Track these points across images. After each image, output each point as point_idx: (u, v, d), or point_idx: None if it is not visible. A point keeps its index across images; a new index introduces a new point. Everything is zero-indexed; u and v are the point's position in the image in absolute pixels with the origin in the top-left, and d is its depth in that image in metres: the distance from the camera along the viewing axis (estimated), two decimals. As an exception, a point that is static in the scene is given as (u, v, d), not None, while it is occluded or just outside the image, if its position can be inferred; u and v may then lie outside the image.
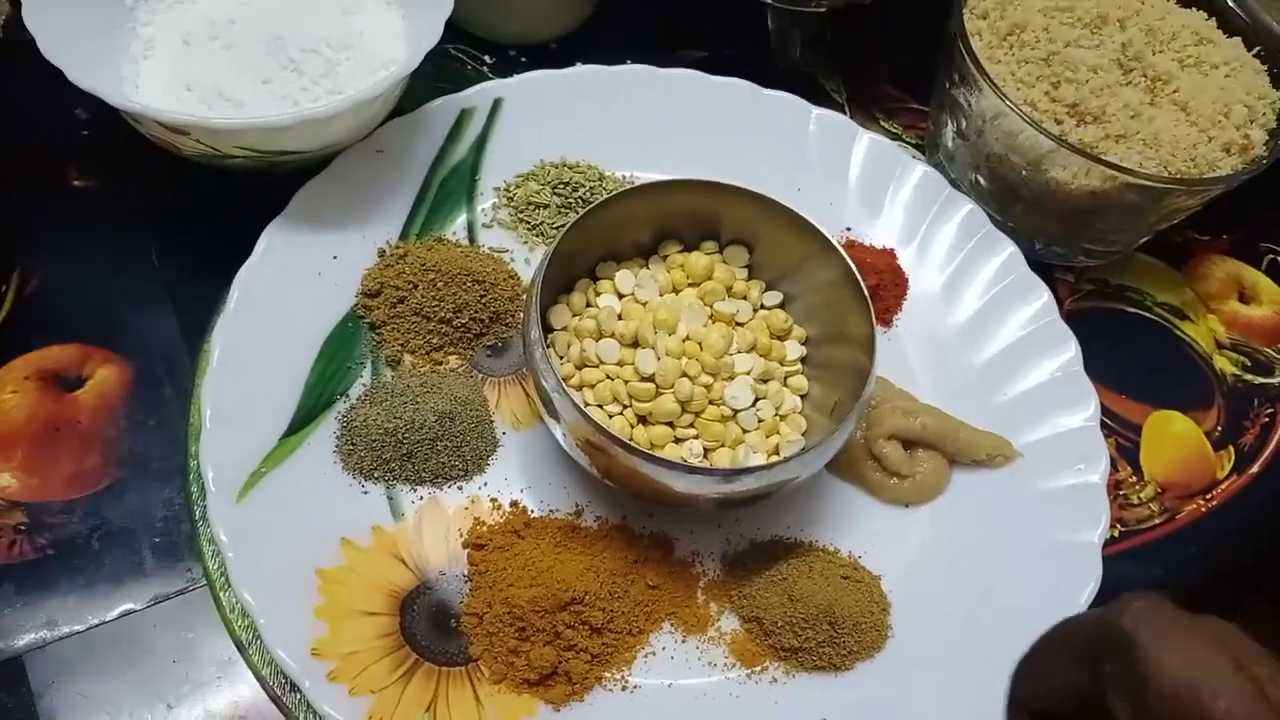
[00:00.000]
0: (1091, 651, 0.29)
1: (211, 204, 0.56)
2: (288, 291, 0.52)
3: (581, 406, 0.48)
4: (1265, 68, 0.62)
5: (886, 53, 0.72)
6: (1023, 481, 0.54)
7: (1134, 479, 0.59)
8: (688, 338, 0.51)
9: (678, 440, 0.50)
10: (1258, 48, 0.63)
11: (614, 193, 0.50)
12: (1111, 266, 0.66)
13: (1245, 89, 0.60)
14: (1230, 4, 0.64)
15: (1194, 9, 0.64)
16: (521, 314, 0.55)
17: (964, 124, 0.62)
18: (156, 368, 0.52)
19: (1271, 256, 0.69)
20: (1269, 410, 0.63)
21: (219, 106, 0.54)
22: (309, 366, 0.51)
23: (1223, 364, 0.64)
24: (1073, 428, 0.55)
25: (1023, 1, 0.61)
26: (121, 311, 0.54)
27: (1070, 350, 0.57)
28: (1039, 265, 0.62)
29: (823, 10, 0.66)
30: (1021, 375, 0.57)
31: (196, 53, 0.56)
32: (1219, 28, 0.63)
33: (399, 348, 0.53)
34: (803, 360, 0.54)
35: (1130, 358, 0.63)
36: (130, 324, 0.53)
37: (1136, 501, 0.58)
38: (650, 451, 0.45)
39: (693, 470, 0.45)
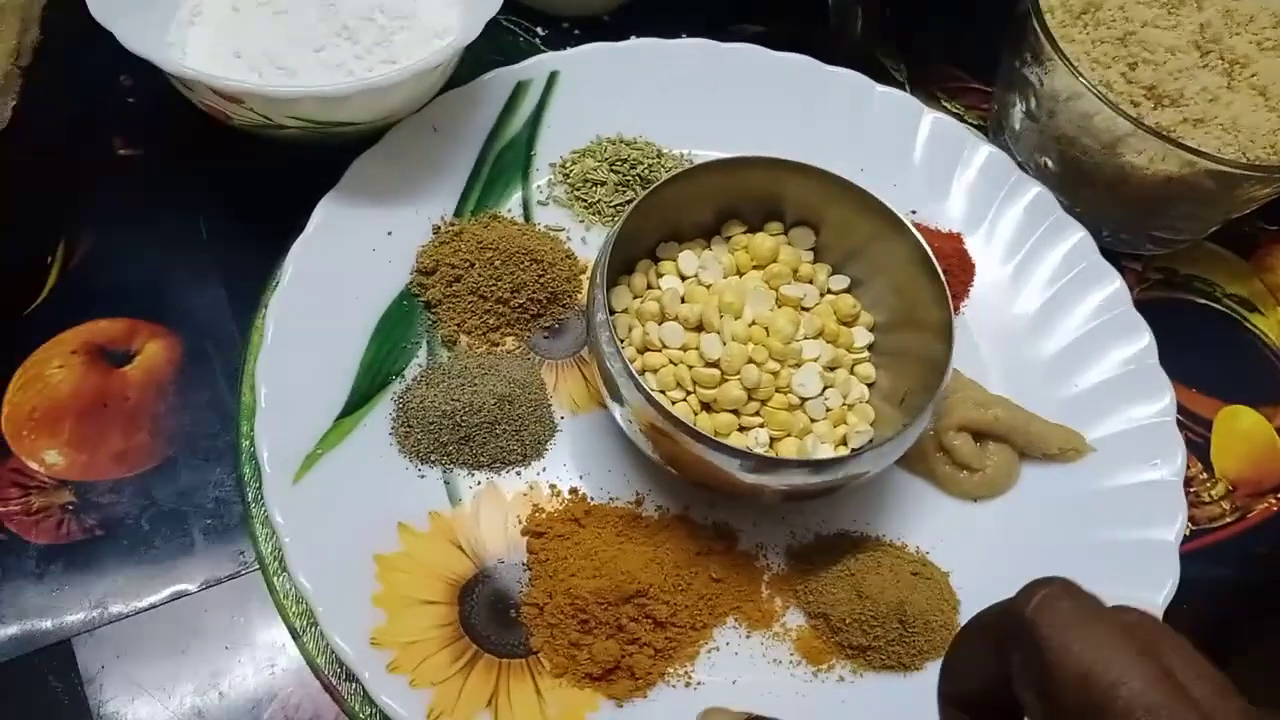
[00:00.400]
0: (1000, 639, 0.28)
1: (261, 174, 0.55)
2: (342, 268, 0.50)
3: (649, 390, 0.47)
4: (1347, 52, 0.60)
5: (948, 31, 0.70)
6: (1095, 477, 0.52)
7: (1204, 476, 0.57)
8: (754, 322, 0.49)
9: (743, 429, 0.48)
10: (1339, 31, 0.60)
11: (676, 172, 0.49)
12: (1179, 255, 0.64)
13: (1327, 74, 0.58)
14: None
15: (1275, -11, 0.61)
16: (579, 295, 0.53)
17: (1034, 104, 0.60)
18: (205, 343, 0.51)
19: (1342, 248, 0.67)
20: (1340, 406, 0.61)
21: (270, 75, 0.52)
22: (364, 345, 0.50)
23: (1293, 357, 0.62)
24: (1147, 422, 0.53)
25: (1098, -22, 0.59)
26: (170, 284, 0.52)
27: (1144, 341, 0.55)
28: (1106, 253, 0.60)
29: (884, -14, 0.64)
30: (1093, 366, 0.55)
31: (246, 18, 0.55)
32: (1299, 10, 0.61)
33: (455, 328, 0.51)
34: (869, 347, 0.52)
35: (1199, 350, 0.61)
36: (178, 297, 0.52)
37: (1208, 499, 0.57)
38: (718, 439, 0.43)
39: (763, 461, 0.43)
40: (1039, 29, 0.57)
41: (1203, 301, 0.63)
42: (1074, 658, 0.26)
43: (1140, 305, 0.58)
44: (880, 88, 0.61)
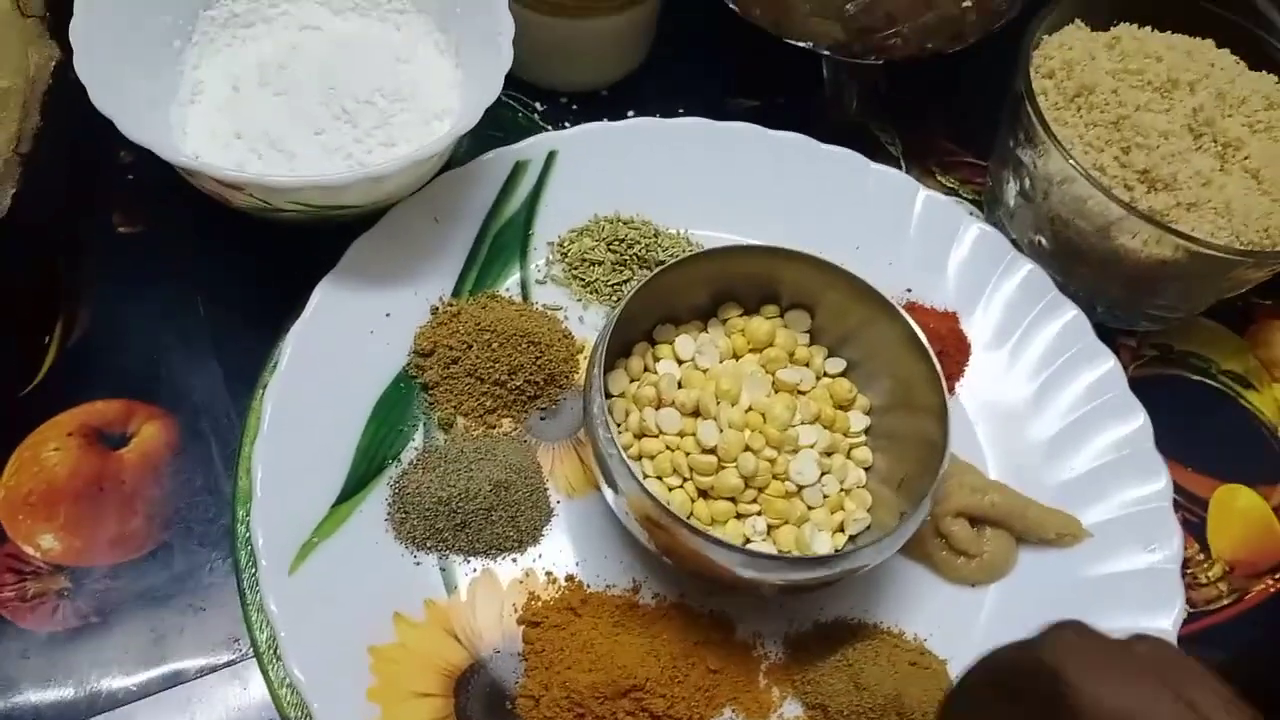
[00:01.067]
0: (1016, 685, 0.28)
1: (260, 254, 0.55)
2: (340, 350, 0.51)
3: (642, 480, 0.47)
4: (1337, 133, 0.60)
5: (943, 105, 0.71)
6: (1092, 562, 0.52)
7: (1201, 557, 0.57)
8: (751, 408, 0.49)
9: (739, 516, 0.48)
10: (1330, 112, 0.61)
11: (674, 260, 0.49)
12: (1174, 331, 0.64)
13: (1318, 156, 0.59)
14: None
15: (1264, 72, 0.62)
16: (576, 375, 0.54)
17: (1028, 184, 0.60)
18: (202, 424, 0.51)
19: (1335, 322, 0.68)
20: (1337, 484, 0.61)
21: (270, 157, 0.53)
22: (361, 429, 0.50)
23: (1289, 435, 0.63)
24: (1144, 507, 0.53)
25: (1091, 63, 0.60)
26: (167, 364, 0.52)
27: (1139, 423, 0.55)
28: (1100, 329, 0.60)
29: (879, 63, 0.65)
30: (1089, 449, 0.55)
31: (246, 99, 0.55)
32: (1289, 91, 0.62)
33: (452, 410, 0.51)
34: (866, 431, 0.52)
35: (1195, 428, 0.61)
36: (176, 377, 0.52)
37: (1205, 581, 0.57)
38: (714, 534, 0.43)
39: (760, 558, 0.43)
40: (1032, 113, 0.57)
41: (1198, 378, 0.64)
42: (1103, 703, 0.25)
43: (1135, 382, 0.58)
44: (875, 166, 0.62)
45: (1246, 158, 0.58)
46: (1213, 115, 0.58)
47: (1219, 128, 0.58)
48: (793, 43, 0.63)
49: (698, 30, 0.68)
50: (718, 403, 0.49)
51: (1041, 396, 0.57)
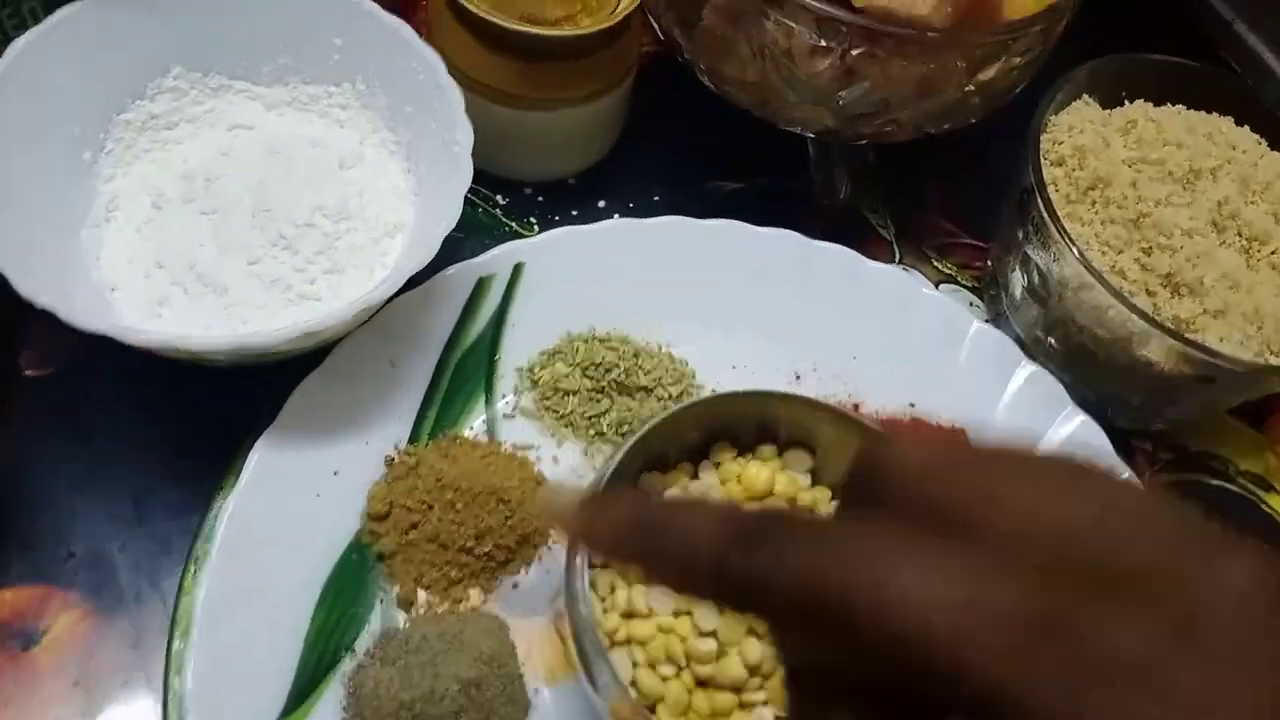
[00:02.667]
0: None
1: (190, 400, 0.48)
2: (282, 521, 0.44)
3: (632, 670, 0.42)
4: (1364, 218, 0.56)
5: (938, 182, 0.66)
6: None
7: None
8: (752, 577, 0.44)
9: (744, 706, 0.43)
10: (1354, 193, 0.56)
11: (658, 418, 0.43)
12: (1188, 428, 0.60)
13: (1348, 248, 0.54)
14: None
15: (1287, 151, 0.57)
16: (552, 532, 0.48)
17: (1037, 282, 0.55)
18: (126, 612, 0.45)
19: (1354, 409, 0.64)
20: (1364, 595, 0.57)
21: (196, 292, 0.46)
22: (309, 615, 0.44)
23: (1312, 541, 0.58)
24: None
25: (1105, 150, 0.55)
26: (83, 538, 0.46)
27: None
28: (1112, 430, 0.55)
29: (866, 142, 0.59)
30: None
31: (169, 218, 0.48)
32: (1314, 170, 0.57)
33: (413, 584, 0.45)
34: (876, 585, 0.47)
35: (1216, 540, 0.56)
36: (95, 556, 0.45)
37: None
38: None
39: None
40: (1044, 210, 0.52)
41: (1217, 483, 0.59)
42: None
43: (1154, 494, 0.53)
44: (872, 265, 0.56)
45: (1274, 252, 0.54)
46: (1237, 206, 0.54)
47: (1244, 219, 0.54)
48: (780, 126, 0.57)
49: (672, 110, 0.62)
50: (715, 576, 0.43)
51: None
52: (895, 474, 0.22)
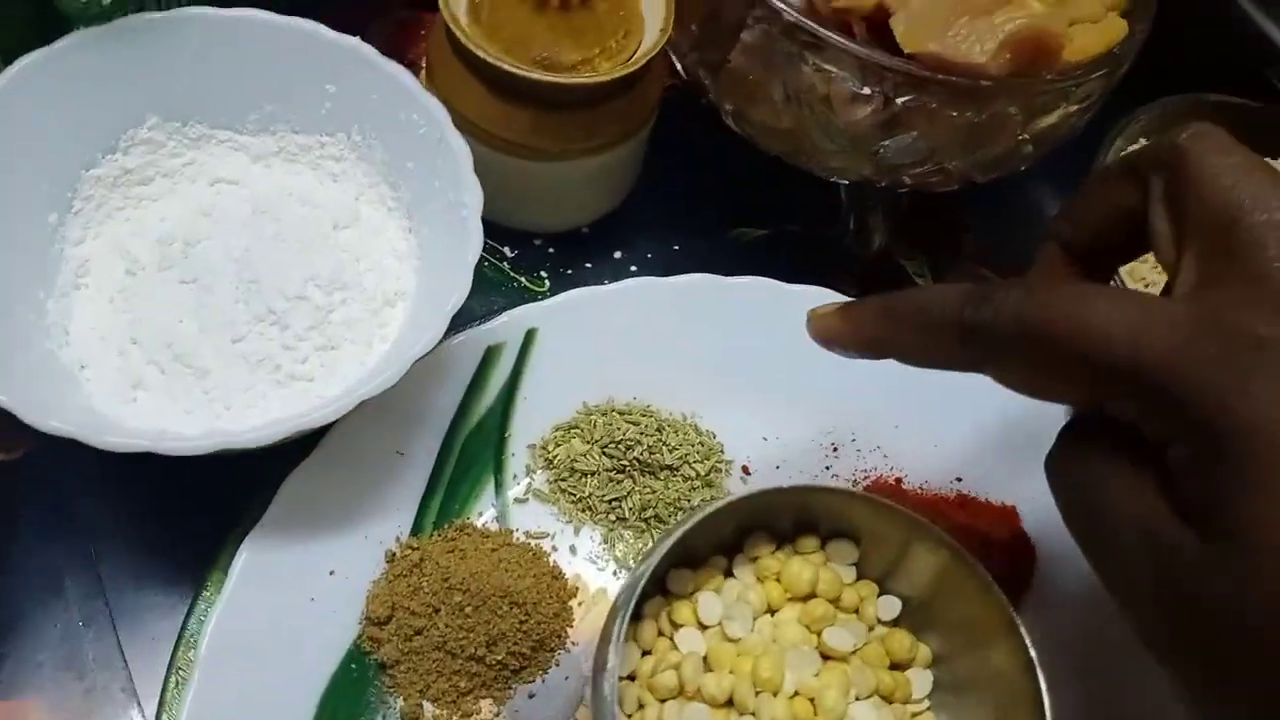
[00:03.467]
0: (1142, 168, 0.30)
1: (169, 488, 0.44)
2: (274, 628, 0.40)
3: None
4: None
5: (976, 225, 0.61)
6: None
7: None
8: (796, 693, 0.39)
9: (791, 836, 0.38)
10: None
11: (691, 521, 0.39)
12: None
13: None
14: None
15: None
16: (569, 631, 0.44)
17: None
18: (101, 729, 0.40)
19: None
20: None
21: (174, 371, 0.42)
22: (304, 737, 0.39)
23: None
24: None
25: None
26: (52, 645, 0.41)
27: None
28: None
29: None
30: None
31: (143, 286, 0.44)
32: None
33: (418, 695, 0.41)
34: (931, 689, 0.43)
35: None
36: (64, 663, 0.41)
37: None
38: None
39: None
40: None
41: None
42: (1219, 180, 0.27)
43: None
44: (913, 325, 0.52)
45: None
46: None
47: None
48: (813, 173, 0.53)
49: (693, 152, 0.57)
50: (757, 694, 0.39)
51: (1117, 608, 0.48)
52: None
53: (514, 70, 0.45)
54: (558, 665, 0.43)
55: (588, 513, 0.46)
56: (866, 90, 0.46)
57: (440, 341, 0.45)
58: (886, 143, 0.48)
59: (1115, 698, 0.47)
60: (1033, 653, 0.39)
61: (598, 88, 0.46)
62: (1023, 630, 0.39)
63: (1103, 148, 0.51)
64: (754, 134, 0.52)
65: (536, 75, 0.45)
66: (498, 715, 0.42)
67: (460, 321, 0.47)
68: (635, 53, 0.48)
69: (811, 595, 0.42)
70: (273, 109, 0.47)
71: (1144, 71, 0.52)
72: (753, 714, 0.39)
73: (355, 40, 0.45)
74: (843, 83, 0.47)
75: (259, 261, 0.43)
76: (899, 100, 0.46)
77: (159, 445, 0.36)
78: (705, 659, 0.40)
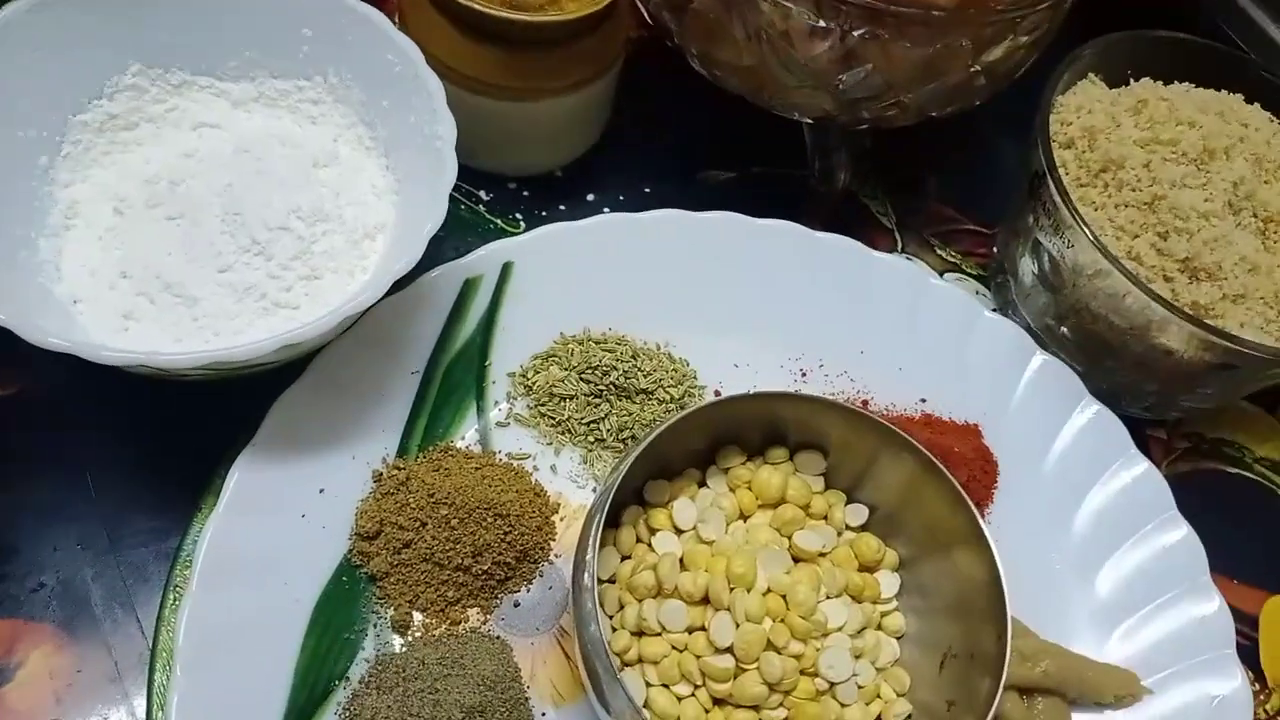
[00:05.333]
0: None
1: (162, 418, 0.45)
2: (266, 544, 0.42)
3: (645, 690, 0.39)
4: (1379, 193, 0.54)
5: (939, 166, 0.63)
6: (1152, 720, 0.46)
7: (1257, 688, 0.51)
8: (769, 590, 0.41)
9: (763, 724, 0.40)
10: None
11: (662, 425, 0.41)
12: (1203, 416, 0.58)
13: (1365, 225, 0.52)
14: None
15: (1298, 125, 0.55)
16: (552, 543, 0.45)
17: (1048, 269, 0.53)
18: (103, 644, 0.42)
19: (1367, 388, 0.62)
20: (1385, 577, 0.55)
21: (164, 303, 0.43)
22: (299, 644, 0.41)
23: (1332, 525, 0.57)
24: (1203, 655, 0.47)
25: (1116, 130, 0.53)
26: (55, 569, 0.43)
27: (1189, 546, 0.49)
28: (1127, 419, 0.54)
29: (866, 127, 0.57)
30: (1137, 581, 0.49)
31: (132, 224, 0.45)
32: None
33: (407, 605, 0.43)
34: (898, 590, 0.45)
35: (1236, 532, 0.55)
36: (65, 585, 0.43)
37: (1263, 716, 0.50)
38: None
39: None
40: (1057, 195, 0.50)
41: (1234, 471, 0.57)
42: None
43: (1171, 482, 0.52)
44: (878, 255, 0.54)
45: (1290, 233, 0.52)
46: (1253, 186, 0.52)
47: (1259, 200, 0.52)
48: (776, 112, 0.54)
49: (662, 98, 0.59)
50: (731, 589, 0.41)
51: (1078, 519, 0.50)
52: None
53: (483, 9, 0.47)
54: (541, 576, 0.45)
55: (567, 435, 0.48)
56: (823, 24, 0.48)
57: (418, 276, 0.47)
58: (844, 76, 0.50)
59: (1058, 606, 0.49)
60: (998, 561, 0.41)
61: (564, 26, 0.48)
62: (989, 538, 0.41)
63: (1049, 82, 0.53)
64: (719, 74, 0.54)
65: (504, 13, 0.47)
66: (485, 623, 0.43)
67: (439, 260, 0.49)
68: (601, -6, 0.50)
69: (781, 502, 0.44)
70: (251, 55, 0.48)
71: (1091, 7, 0.54)
72: (727, 609, 0.40)
73: (330, -16, 0.46)
74: (800, 18, 0.48)
75: (242, 196, 0.45)
76: (854, 33, 0.48)
77: (152, 360, 0.37)
78: (681, 560, 0.42)
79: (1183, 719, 0.46)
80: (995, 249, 0.59)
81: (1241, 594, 0.53)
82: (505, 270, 0.50)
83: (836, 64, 0.50)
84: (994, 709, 0.38)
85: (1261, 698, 0.51)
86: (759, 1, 0.49)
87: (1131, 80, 0.57)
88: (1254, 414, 0.59)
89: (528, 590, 0.44)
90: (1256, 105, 0.56)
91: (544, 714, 0.42)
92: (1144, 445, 0.56)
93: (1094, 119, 0.53)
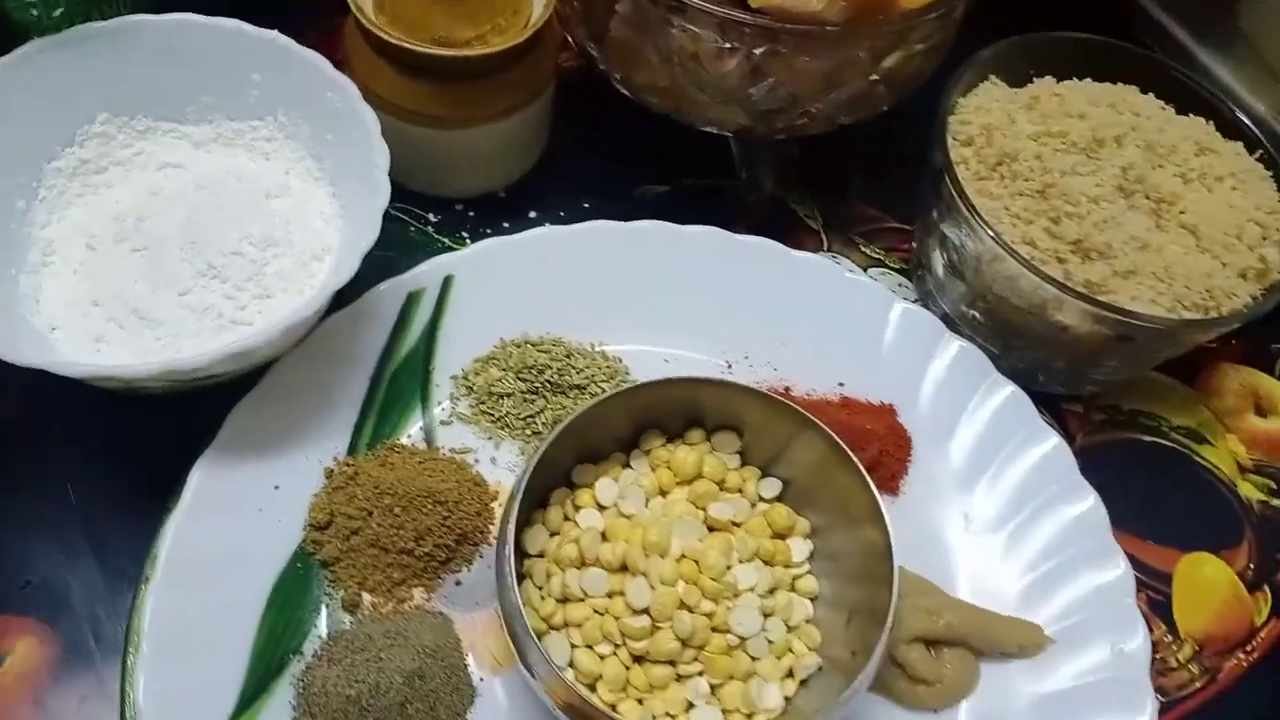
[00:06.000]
0: None
1: (133, 430, 0.50)
2: (226, 536, 0.46)
3: (563, 664, 0.43)
4: (1270, 174, 0.58)
5: (861, 169, 0.67)
6: (1057, 669, 0.49)
7: (1169, 639, 0.54)
8: (683, 556, 0.45)
9: (680, 678, 0.44)
10: (1260, 150, 0.58)
11: (585, 406, 0.45)
12: (1120, 388, 0.61)
13: (1255, 203, 0.56)
14: (1223, 99, 0.60)
15: (1191, 115, 0.59)
16: (492, 527, 0.49)
17: (956, 259, 0.57)
18: (84, 634, 0.46)
19: (1285, 359, 0.65)
20: (1303, 538, 0.58)
21: (132, 326, 0.48)
22: (256, 623, 0.45)
23: (1248, 490, 0.60)
24: (1106, 605, 0.50)
25: (1011, 126, 0.57)
26: (38, 568, 0.47)
27: (1092, 508, 0.52)
28: (1044, 397, 0.57)
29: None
30: (1042, 543, 0.52)
31: (102, 258, 0.50)
32: (1218, 130, 0.59)
33: (356, 587, 0.47)
34: (810, 556, 0.48)
35: (1152, 496, 0.58)
36: (49, 582, 0.47)
37: (1175, 665, 0.54)
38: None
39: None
40: (953, 188, 0.54)
41: (1150, 439, 0.61)
42: None
43: (1086, 452, 0.55)
44: (795, 254, 0.58)
45: (1182, 212, 0.55)
46: (1143, 171, 0.55)
47: (1151, 183, 0.55)
48: (698, 127, 0.59)
49: (597, 118, 0.64)
50: (646, 556, 0.45)
51: (988, 488, 0.54)
52: None
53: (414, 48, 0.52)
54: (481, 557, 0.49)
55: (505, 430, 0.52)
56: (728, 45, 0.53)
57: (366, 290, 0.52)
58: (753, 91, 0.55)
59: (969, 567, 0.52)
60: (890, 531, 0.44)
61: (490, 59, 0.53)
62: (885, 516, 0.45)
63: (948, 85, 0.57)
64: (642, 95, 0.59)
65: (434, 51, 0.52)
66: (429, 601, 0.47)
67: (389, 278, 0.54)
68: (526, 25, 0.54)
69: (698, 478, 0.48)
70: (209, 100, 0.53)
71: (998, 12, 0.58)
72: (643, 574, 0.44)
73: (274, 32, 0.51)
74: (707, 40, 0.53)
75: (200, 227, 0.50)
76: (757, 51, 0.53)
77: (117, 371, 0.42)
78: (603, 534, 0.46)
79: (1086, 667, 0.49)
80: (914, 244, 0.63)
81: (1158, 554, 0.56)
82: (446, 283, 0.54)
83: (745, 80, 0.54)
84: (879, 650, 0.41)
85: (1175, 648, 0.54)
86: (669, 28, 0.53)
87: (1034, 80, 0.61)
88: (1169, 385, 0.62)
89: (469, 570, 0.48)
90: (1150, 95, 0.59)
91: (481, 679, 0.46)
92: (1061, 419, 0.59)
93: (991, 117, 0.57)
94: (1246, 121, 0.59)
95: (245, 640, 0.45)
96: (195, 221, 0.50)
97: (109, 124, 0.52)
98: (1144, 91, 0.60)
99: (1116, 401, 0.61)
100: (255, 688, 0.44)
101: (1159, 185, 0.55)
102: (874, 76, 0.56)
